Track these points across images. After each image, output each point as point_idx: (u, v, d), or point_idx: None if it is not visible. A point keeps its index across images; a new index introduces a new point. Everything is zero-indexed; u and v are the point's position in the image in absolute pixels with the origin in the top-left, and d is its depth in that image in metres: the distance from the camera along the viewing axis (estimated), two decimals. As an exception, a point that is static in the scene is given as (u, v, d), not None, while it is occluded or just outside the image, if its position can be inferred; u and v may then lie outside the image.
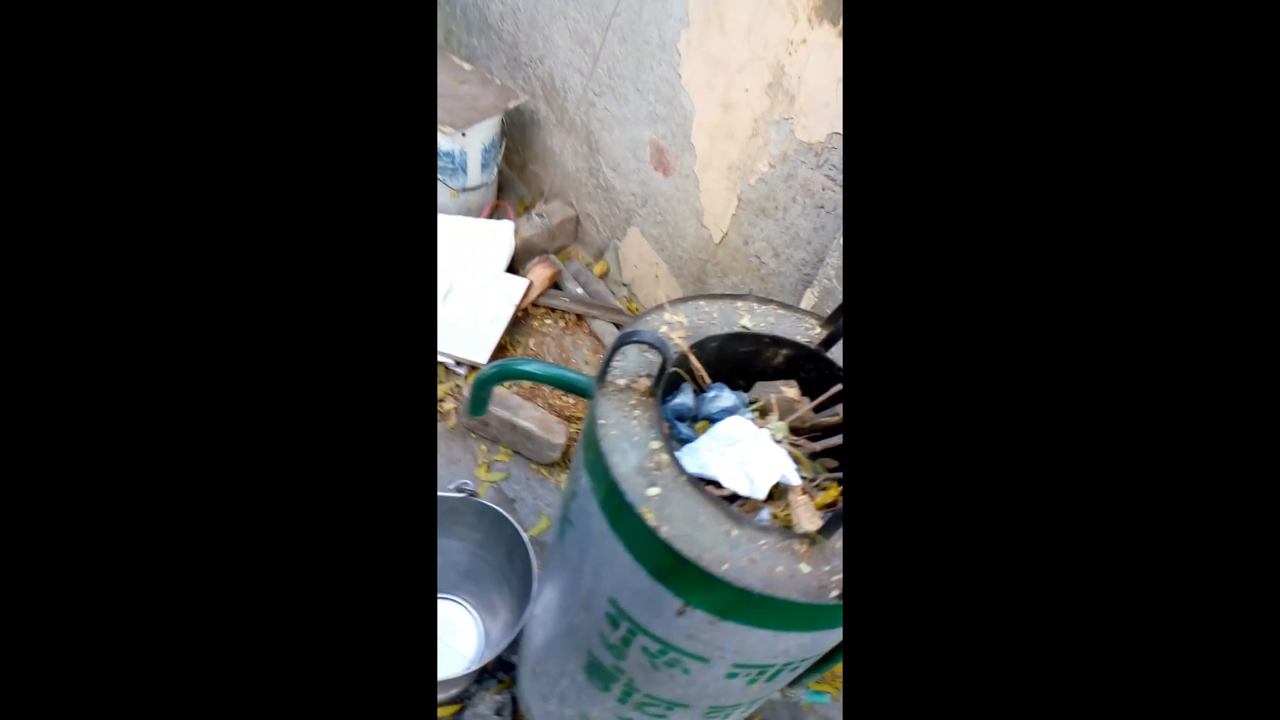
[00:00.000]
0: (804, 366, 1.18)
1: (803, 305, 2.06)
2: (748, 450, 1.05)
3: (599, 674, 1.17)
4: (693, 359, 1.10)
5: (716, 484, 1.03)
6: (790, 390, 1.16)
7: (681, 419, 1.17)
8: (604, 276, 2.96)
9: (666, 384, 1.12)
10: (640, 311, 2.86)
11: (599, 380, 1.01)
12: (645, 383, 1.04)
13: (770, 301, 1.21)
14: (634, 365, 1.07)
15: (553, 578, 1.27)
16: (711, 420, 1.17)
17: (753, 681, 1.05)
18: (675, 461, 0.95)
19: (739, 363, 1.19)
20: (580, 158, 2.88)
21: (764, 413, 1.17)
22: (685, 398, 1.15)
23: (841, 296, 1.93)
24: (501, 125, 2.84)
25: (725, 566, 0.87)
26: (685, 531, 0.89)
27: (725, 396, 1.17)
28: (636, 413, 1.00)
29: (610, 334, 2.73)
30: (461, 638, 1.92)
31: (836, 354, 1.17)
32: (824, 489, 1.10)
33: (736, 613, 0.89)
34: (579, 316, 2.81)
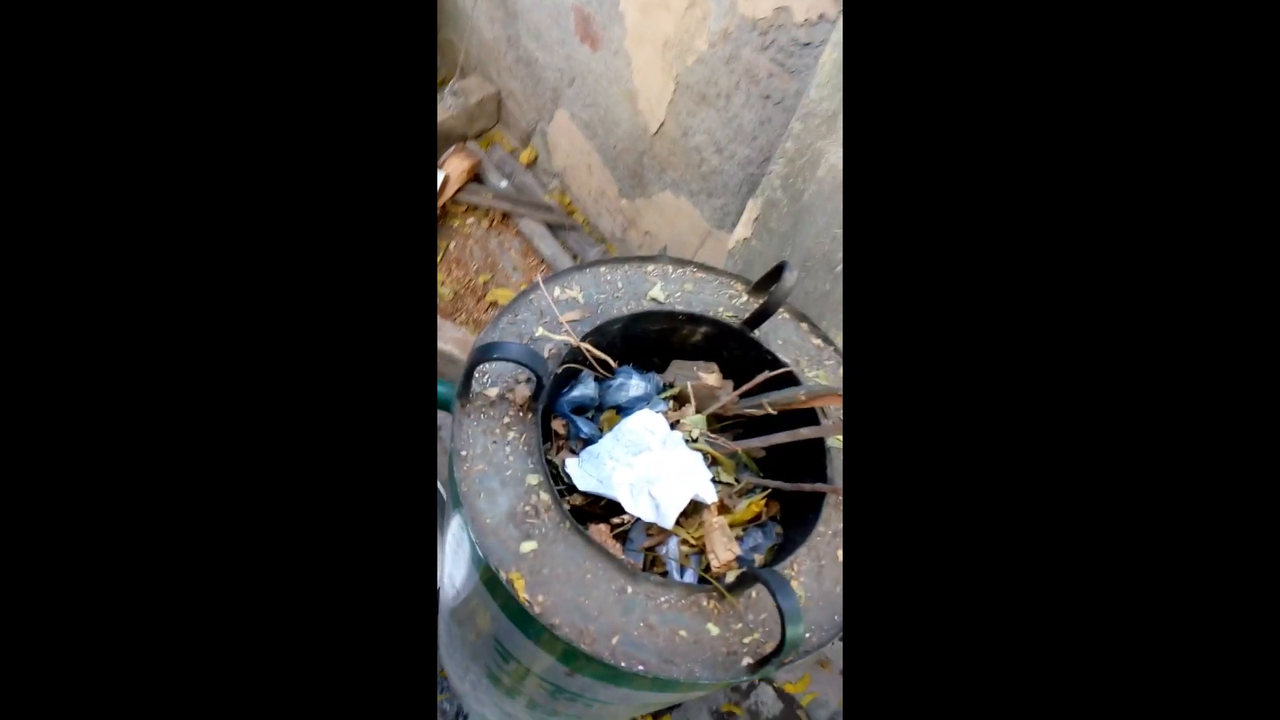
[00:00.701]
0: (727, 345, 0.98)
1: (745, 216, 1.82)
2: (655, 463, 0.87)
3: (500, 685, 1.06)
4: (588, 351, 0.89)
5: (618, 505, 0.87)
6: (710, 376, 0.96)
7: (584, 410, 0.98)
8: (532, 165, 2.63)
9: (560, 377, 0.92)
10: (573, 208, 2.57)
11: (460, 396, 0.80)
12: (524, 391, 0.83)
13: (688, 263, 0.99)
14: (510, 366, 0.85)
15: (444, 579, 1.13)
16: (620, 410, 0.98)
17: (668, 712, 0.95)
18: (557, 503, 0.77)
19: (651, 340, 0.99)
20: (497, 24, 2.46)
21: (681, 401, 0.98)
22: (586, 387, 0.96)
23: (785, 210, 1.70)
24: (400, -19, 2.37)
25: (615, 640, 0.71)
26: (568, 596, 0.73)
27: (635, 383, 0.97)
28: (511, 435, 0.80)
29: (541, 235, 2.45)
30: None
31: (772, 328, 0.97)
32: (747, 494, 0.94)
33: (630, 683, 0.75)
34: (505, 214, 2.51)
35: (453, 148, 2.45)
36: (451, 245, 2.42)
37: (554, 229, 2.48)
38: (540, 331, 0.87)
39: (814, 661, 1.97)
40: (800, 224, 1.69)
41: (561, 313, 0.89)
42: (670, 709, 1.78)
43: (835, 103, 1.44)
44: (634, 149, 2.25)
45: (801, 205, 1.66)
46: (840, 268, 1.59)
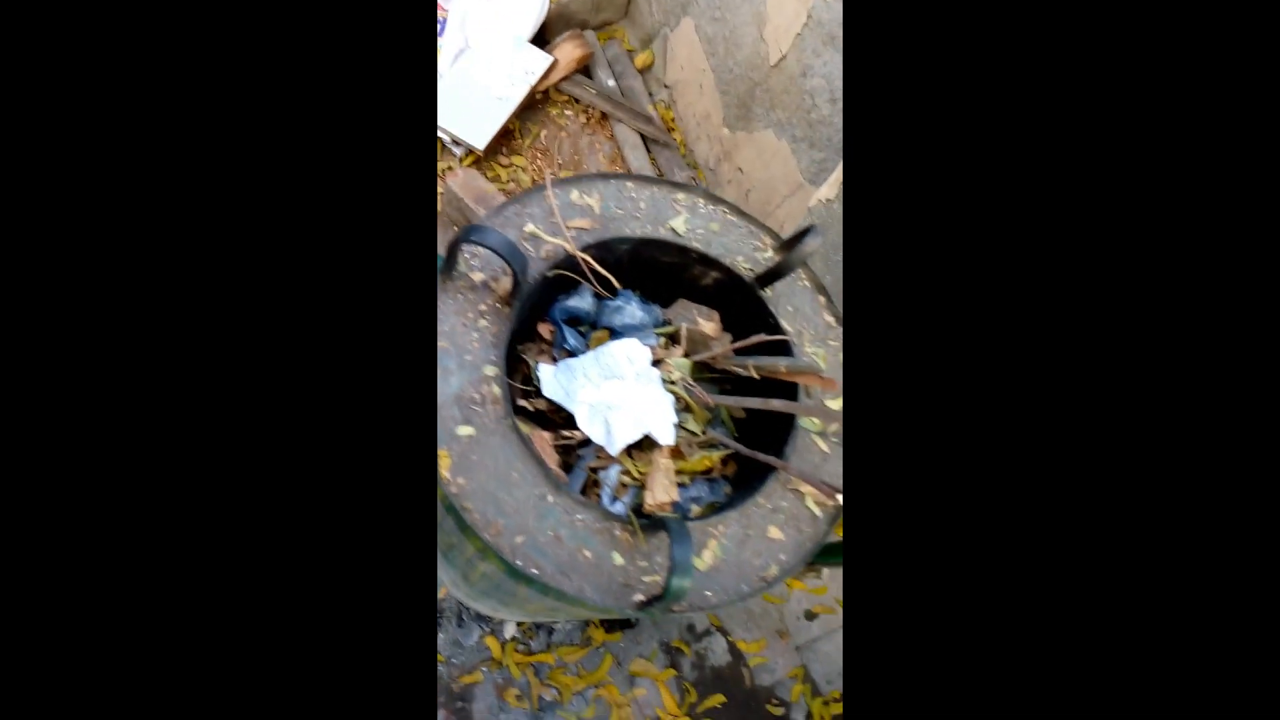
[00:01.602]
0: (735, 296, 0.94)
1: (834, 175, 1.71)
2: (622, 392, 0.86)
3: (455, 563, 1.12)
4: (586, 263, 0.87)
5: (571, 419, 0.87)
6: (709, 324, 0.94)
7: (577, 322, 0.98)
8: (645, 70, 2.55)
9: (562, 281, 0.92)
10: (674, 125, 2.49)
11: (443, 272, 0.81)
12: (507, 284, 0.83)
13: (722, 202, 0.95)
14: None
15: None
16: (613, 333, 0.97)
17: (620, 629, 0.98)
18: (505, 400, 0.78)
19: (662, 271, 0.96)
20: (649, -89, 2.34)
21: (675, 340, 0.96)
22: (584, 301, 0.95)
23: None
24: None
25: (520, 539, 0.73)
26: (489, 488, 0.74)
27: (633, 309, 0.96)
28: (483, 323, 0.81)
29: (634, 145, 2.40)
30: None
31: (789, 293, 0.93)
32: (708, 447, 0.93)
33: (529, 583, 0.77)
34: (604, 114, 2.46)
35: (568, 33, 2.40)
36: (543, 133, 2.40)
37: (649, 142, 2.42)
38: (530, 228, 0.86)
39: (774, 630, 1.98)
40: (884, 197, 1.59)
41: (571, 218, 0.88)
42: (622, 626, 1.84)
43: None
44: (749, 77, 2.14)
45: (891, 178, 1.55)
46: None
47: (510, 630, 1.85)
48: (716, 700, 1.85)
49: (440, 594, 1.80)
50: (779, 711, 1.88)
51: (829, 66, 1.85)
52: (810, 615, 2.01)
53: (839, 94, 1.84)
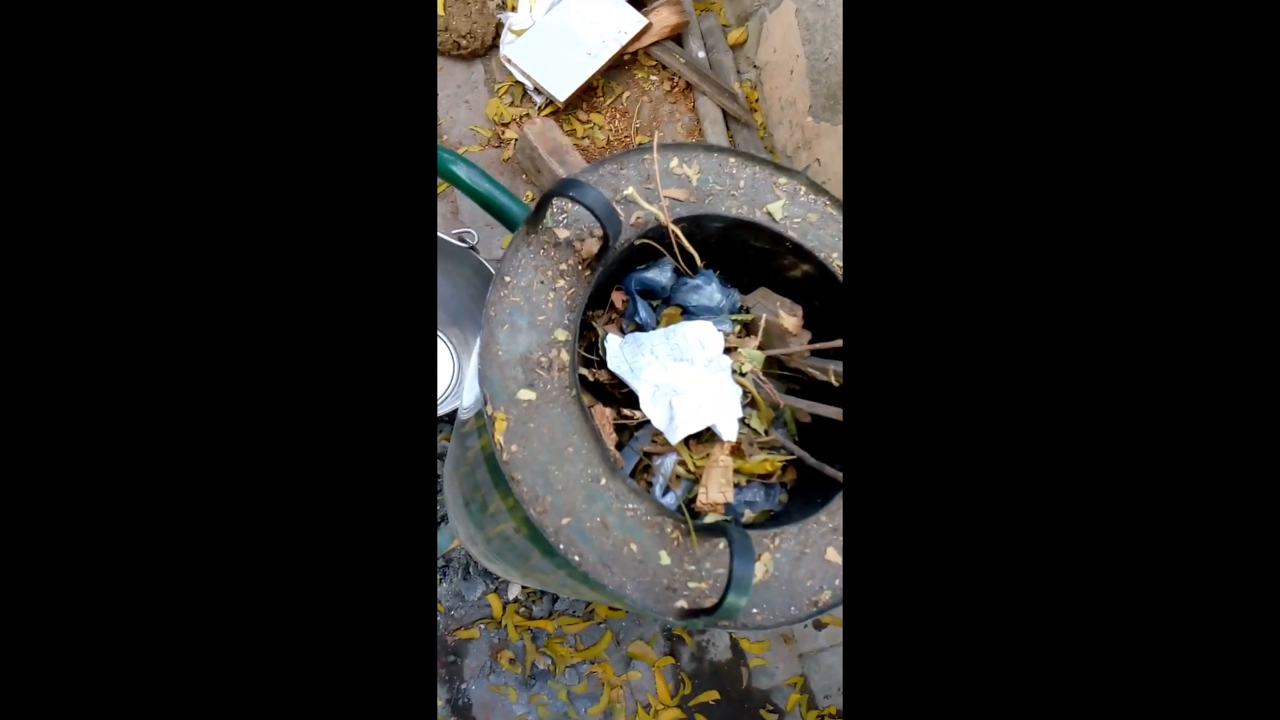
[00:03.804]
0: (822, 294, 0.88)
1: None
2: (690, 378, 0.81)
3: (469, 512, 1.08)
4: (677, 237, 0.82)
5: (635, 399, 0.82)
6: (790, 319, 0.87)
7: (651, 295, 0.92)
8: (737, 48, 2.46)
9: (641, 250, 0.86)
10: (757, 107, 2.39)
11: (529, 223, 0.76)
12: (592, 247, 0.77)
13: (825, 193, 0.88)
14: (589, 216, 0.79)
15: (465, 389, 1.13)
16: (686, 312, 0.92)
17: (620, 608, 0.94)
18: (573, 368, 0.73)
19: (749, 255, 0.90)
20: (768, -122, 2.23)
21: (750, 330, 0.91)
22: (662, 274, 0.89)
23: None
24: None
25: (565, 520, 0.69)
26: (541, 459, 0.70)
27: (711, 291, 0.90)
28: (561, 283, 0.76)
29: (714, 120, 2.32)
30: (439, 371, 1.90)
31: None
32: (770, 449, 0.87)
33: (566, 567, 0.73)
34: (689, 85, 2.38)
35: (667, -2, 2.31)
36: (625, 95, 2.32)
37: (729, 119, 2.34)
38: (630, 191, 0.80)
39: (778, 633, 1.94)
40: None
41: (666, 186, 0.82)
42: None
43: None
44: (841, 69, 2.04)
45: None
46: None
47: (514, 591, 1.83)
48: (710, 696, 1.82)
49: (452, 545, 1.78)
50: (772, 718, 1.84)
51: (935, 68, 1.75)
52: (819, 625, 1.96)
53: (941, 99, 1.74)
